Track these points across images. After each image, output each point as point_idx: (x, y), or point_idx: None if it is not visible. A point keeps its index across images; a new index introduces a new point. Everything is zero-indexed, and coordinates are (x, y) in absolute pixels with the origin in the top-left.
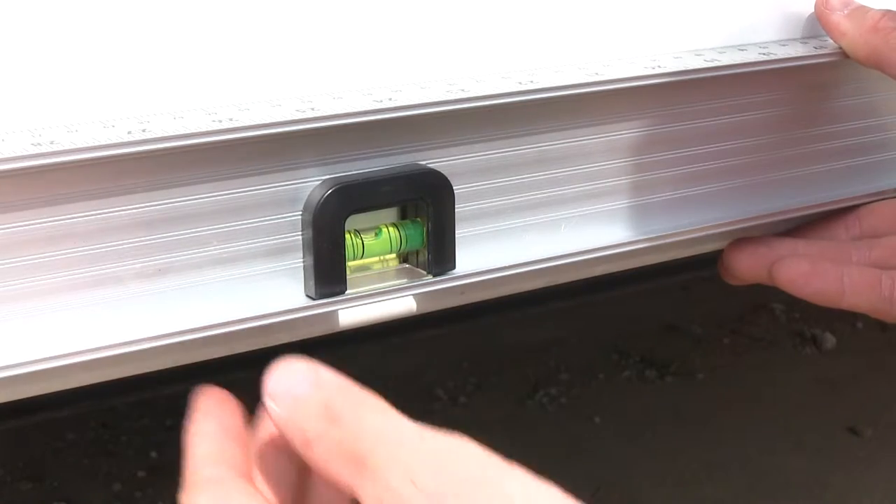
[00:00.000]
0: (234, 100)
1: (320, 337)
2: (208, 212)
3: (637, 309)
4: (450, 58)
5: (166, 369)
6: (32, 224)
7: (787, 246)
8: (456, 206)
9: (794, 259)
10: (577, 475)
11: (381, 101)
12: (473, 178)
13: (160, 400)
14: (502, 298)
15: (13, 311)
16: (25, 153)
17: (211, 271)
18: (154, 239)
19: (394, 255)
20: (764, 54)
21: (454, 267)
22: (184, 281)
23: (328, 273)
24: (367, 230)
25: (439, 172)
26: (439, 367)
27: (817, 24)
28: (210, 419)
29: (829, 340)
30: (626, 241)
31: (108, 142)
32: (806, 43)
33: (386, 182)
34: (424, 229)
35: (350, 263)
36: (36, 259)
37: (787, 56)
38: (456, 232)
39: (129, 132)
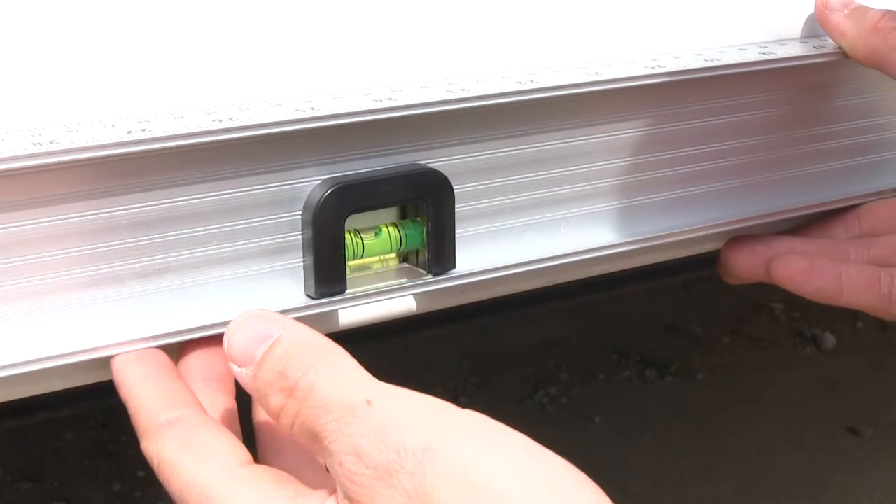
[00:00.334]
0: (234, 99)
1: None
2: (208, 211)
3: (637, 309)
4: (450, 58)
5: None
6: (32, 224)
7: (784, 244)
8: (456, 205)
9: (792, 256)
10: None
11: (381, 101)
12: (473, 177)
13: None
14: (502, 298)
15: (13, 311)
16: (25, 153)
17: (210, 271)
18: (154, 238)
19: (394, 255)
20: (764, 54)
21: (454, 266)
22: (183, 281)
23: (328, 273)
24: (366, 230)
25: (439, 172)
26: (439, 367)
27: (817, 24)
28: (142, 365)
29: (829, 340)
30: (626, 240)
31: (108, 141)
32: (806, 43)
33: (386, 182)
34: (424, 229)
35: (350, 263)
36: (36, 259)
37: (786, 56)
38: (456, 232)
39: (129, 132)
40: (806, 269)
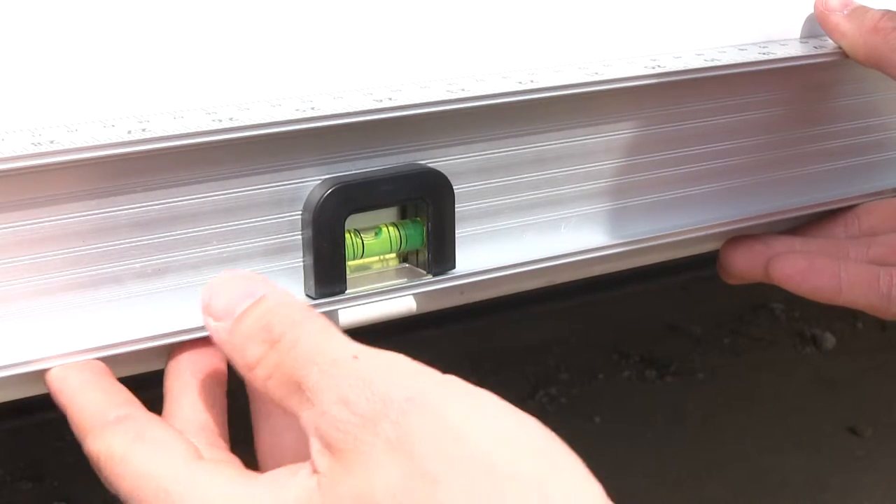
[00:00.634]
0: (234, 99)
1: None
2: (208, 211)
3: (637, 309)
4: (450, 57)
5: None
6: (32, 224)
7: (783, 243)
8: (456, 205)
9: (790, 255)
10: None
11: (381, 101)
12: (473, 177)
13: (159, 400)
14: (502, 298)
15: (13, 311)
16: (25, 153)
17: (211, 271)
18: (154, 239)
19: (394, 255)
20: (764, 54)
21: (454, 266)
22: (183, 281)
23: (328, 273)
24: (366, 230)
25: (439, 172)
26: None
27: (817, 24)
28: (83, 372)
29: (829, 340)
30: (626, 240)
31: (108, 141)
32: (806, 43)
33: (386, 182)
34: (424, 229)
35: (350, 263)
36: (36, 259)
37: (786, 56)
38: (456, 232)
39: (129, 132)
40: (805, 269)
